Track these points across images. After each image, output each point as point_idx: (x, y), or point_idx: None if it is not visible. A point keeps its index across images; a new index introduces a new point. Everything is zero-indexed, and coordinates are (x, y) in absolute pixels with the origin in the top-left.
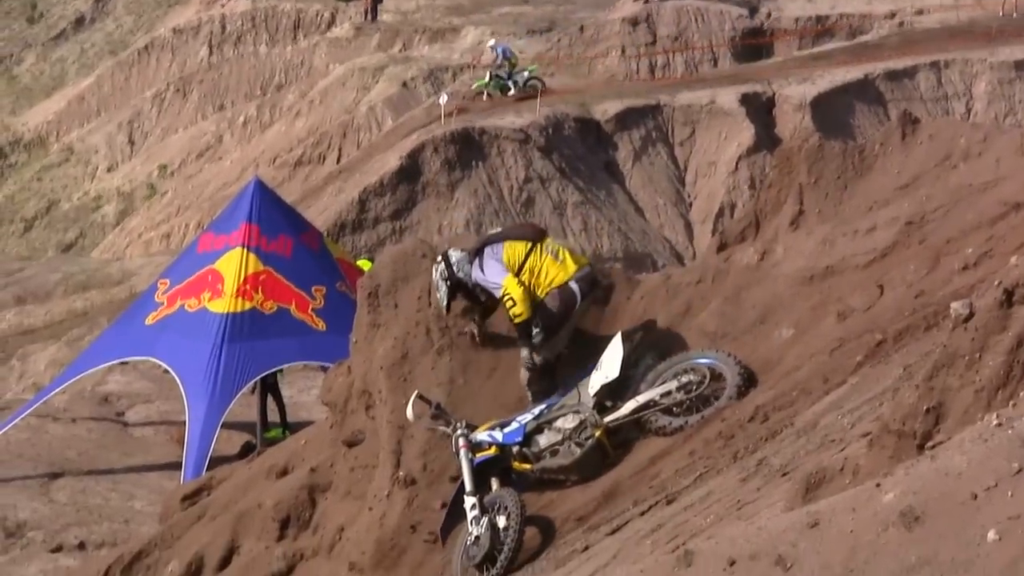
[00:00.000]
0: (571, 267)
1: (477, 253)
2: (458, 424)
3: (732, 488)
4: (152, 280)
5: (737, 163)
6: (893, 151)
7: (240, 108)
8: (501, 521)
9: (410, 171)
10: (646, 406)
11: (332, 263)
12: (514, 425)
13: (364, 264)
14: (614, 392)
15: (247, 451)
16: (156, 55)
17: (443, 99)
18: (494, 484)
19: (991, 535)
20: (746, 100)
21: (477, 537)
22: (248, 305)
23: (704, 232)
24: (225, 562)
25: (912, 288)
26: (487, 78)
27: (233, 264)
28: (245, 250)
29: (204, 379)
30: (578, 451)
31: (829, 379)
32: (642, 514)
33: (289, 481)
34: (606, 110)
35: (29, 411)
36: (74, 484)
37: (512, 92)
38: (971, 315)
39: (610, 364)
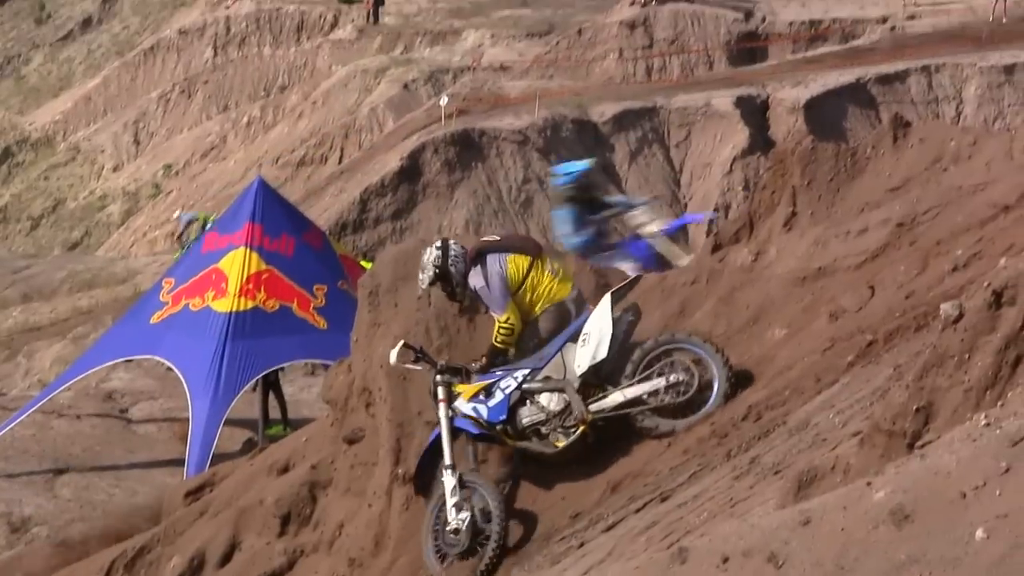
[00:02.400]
0: (568, 286)
1: (478, 257)
2: (441, 366)
3: (725, 486)
4: (157, 279)
5: (732, 165)
6: (884, 154)
7: (244, 109)
8: (482, 520)
9: (411, 172)
10: (633, 403)
11: (335, 261)
12: (498, 396)
13: (366, 265)
14: (599, 370)
15: (249, 448)
16: (162, 56)
17: (443, 101)
18: (471, 461)
19: (979, 533)
20: (741, 103)
21: (456, 530)
22: (251, 304)
23: (699, 233)
24: (227, 558)
25: (903, 289)
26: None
27: (236, 263)
28: (248, 249)
29: (207, 377)
30: (562, 440)
31: (821, 378)
32: (637, 511)
33: (290, 478)
34: (603, 112)
35: (35, 407)
36: (78, 480)
37: None
38: (960, 316)
39: (599, 340)
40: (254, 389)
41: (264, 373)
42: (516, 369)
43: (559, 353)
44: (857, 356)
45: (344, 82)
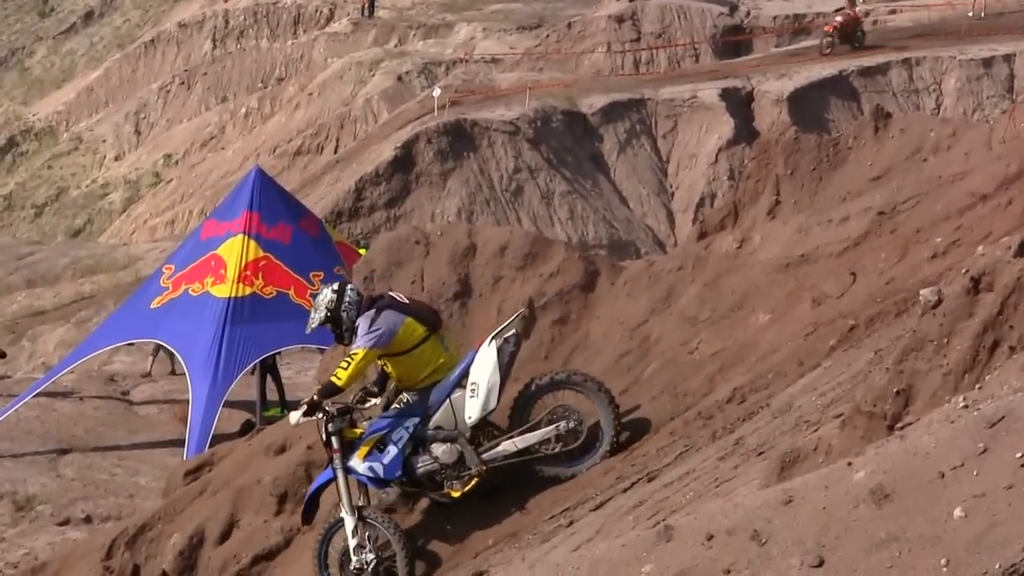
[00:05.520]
0: (451, 364)
1: (373, 307)
2: (331, 414)
3: (711, 466)
4: (157, 265)
5: (717, 155)
6: (866, 144)
7: (242, 100)
8: (385, 556)
9: (404, 161)
10: (525, 452)
11: (331, 248)
12: (392, 452)
13: (362, 252)
14: (488, 418)
15: (247, 429)
16: (162, 48)
17: (436, 92)
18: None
19: (957, 512)
20: (726, 95)
21: (360, 570)
22: (249, 290)
23: (685, 221)
24: (225, 535)
25: (883, 276)
26: None
27: (235, 250)
28: (246, 237)
29: (207, 360)
30: (458, 490)
31: (804, 362)
32: (624, 491)
33: (287, 458)
34: (592, 104)
35: (38, 390)
36: (81, 460)
37: None
38: (939, 302)
39: (488, 391)
40: (252, 372)
41: (262, 357)
42: (406, 417)
43: (448, 401)
44: (839, 340)
45: (339, 74)
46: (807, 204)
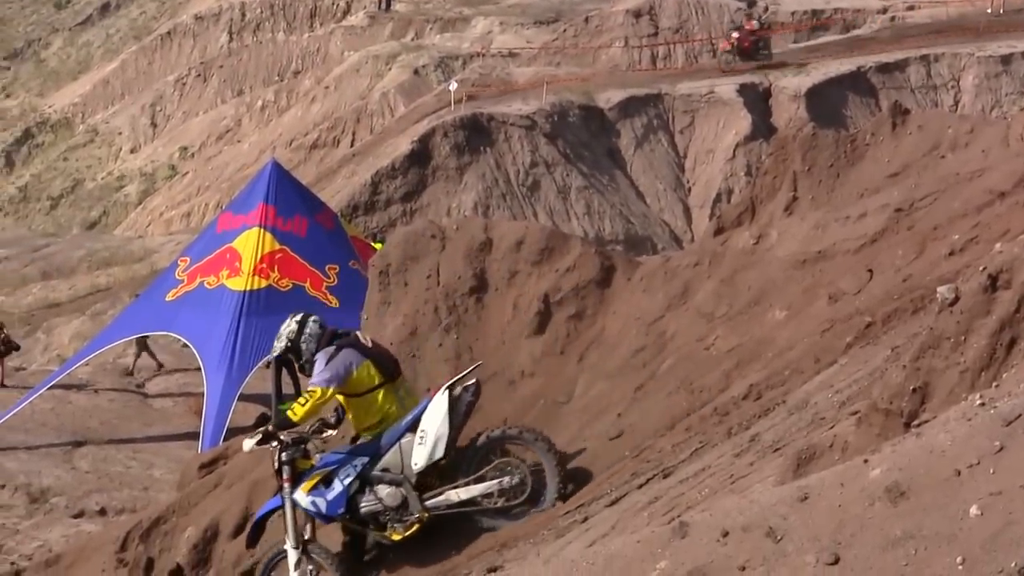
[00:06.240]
0: (401, 416)
1: (335, 346)
2: (285, 443)
3: (726, 463)
4: (173, 258)
5: (734, 151)
6: (884, 141)
7: (258, 93)
8: None
9: (421, 155)
10: (469, 503)
11: (346, 241)
12: (336, 488)
13: (377, 246)
14: (435, 468)
15: (262, 423)
16: (178, 41)
17: (453, 86)
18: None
19: (973, 510)
20: (744, 90)
21: None
22: (264, 283)
23: (702, 217)
24: (240, 528)
25: (900, 272)
26: None
27: (250, 243)
28: (262, 230)
29: (222, 353)
30: (399, 533)
31: (820, 359)
32: (640, 487)
33: None
34: (609, 98)
35: (53, 382)
36: (96, 452)
37: None
38: (957, 299)
39: (435, 440)
40: (267, 366)
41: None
42: (356, 456)
43: (398, 444)
44: (856, 337)
45: (356, 67)
46: (824, 200)
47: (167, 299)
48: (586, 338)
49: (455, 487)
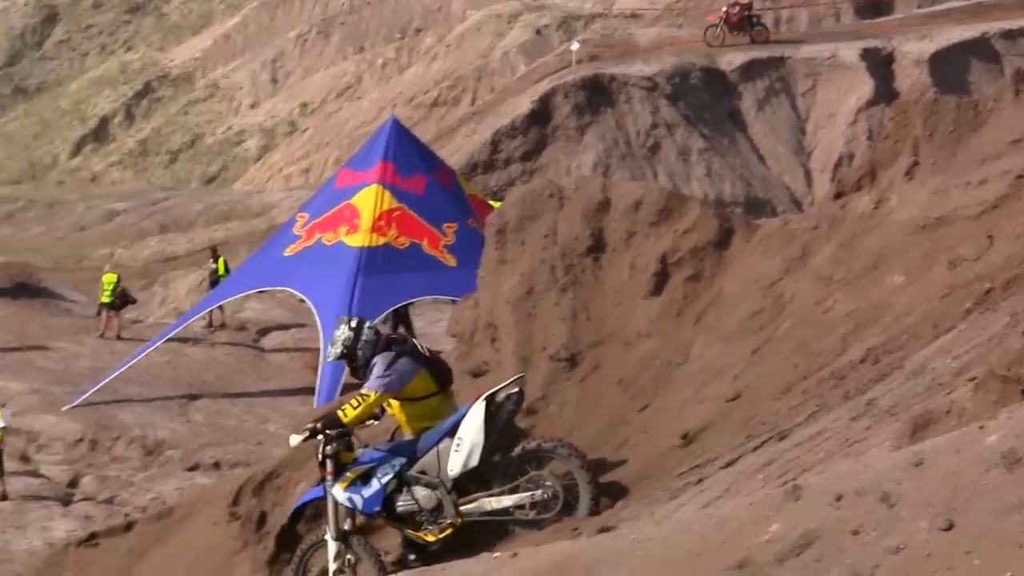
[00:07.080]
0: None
1: (393, 352)
2: (329, 436)
3: (842, 427)
4: (291, 213)
5: (856, 115)
6: (1006, 107)
7: (379, 50)
8: None
9: (541, 115)
10: (501, 512)
11: (464, 200)
12: (374, 487)
13: (495, 205)
14: (470, 475)
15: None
16: None
17: (575, 46)
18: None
19: None
20: (866, 55)
21: None
22: (382, 240)
23: (823, 180)
24: None
25: (1021, 239)
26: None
27: (369, 200)
28: (381, 187)
29: (340, 310)
30: (433, 536)
31: (938, 325)
32: (755, 449)
33: None
34: (731, 61)
35: (170, 335)
36: (211, 406)
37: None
38: None
39: (470, 449)
40: (385, 322)
41: (395, 307)
42: (394, 456)
43: (435, 449)
44: (974, 303)
45: (478, 26)
46: (945, 166)
47: (285, 254)
48: (703, 300)
49: (490, 495)
